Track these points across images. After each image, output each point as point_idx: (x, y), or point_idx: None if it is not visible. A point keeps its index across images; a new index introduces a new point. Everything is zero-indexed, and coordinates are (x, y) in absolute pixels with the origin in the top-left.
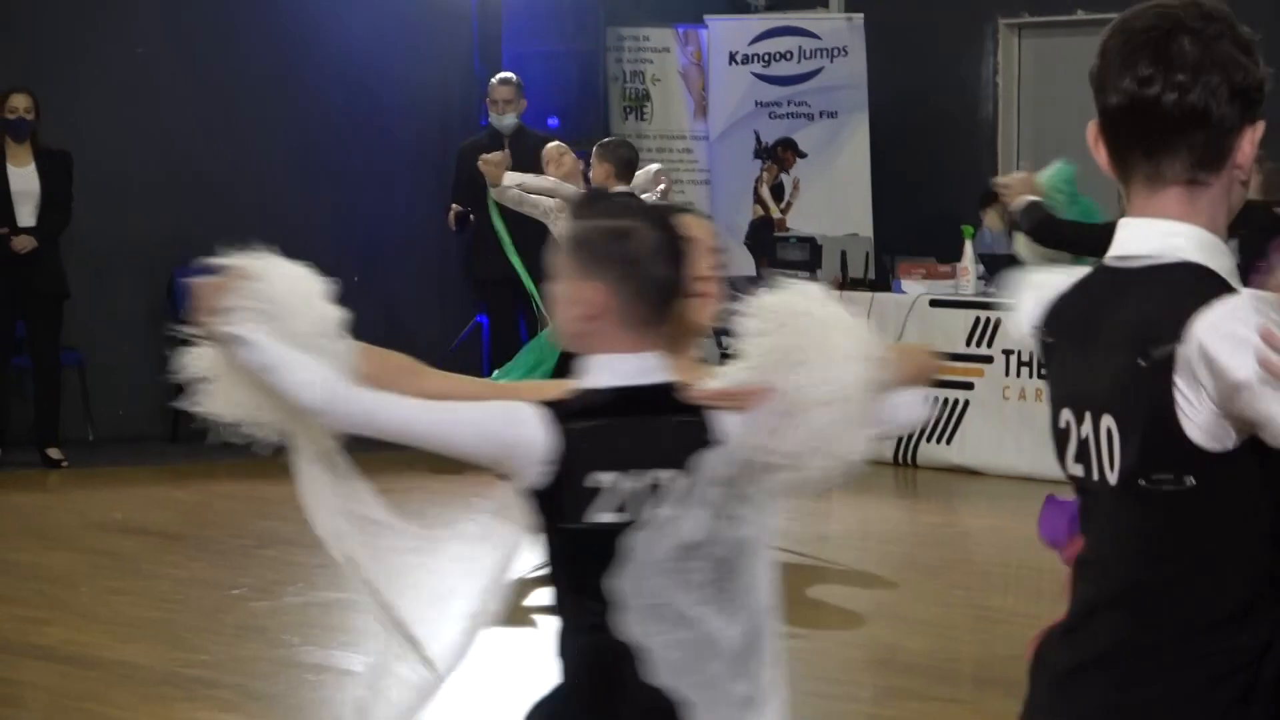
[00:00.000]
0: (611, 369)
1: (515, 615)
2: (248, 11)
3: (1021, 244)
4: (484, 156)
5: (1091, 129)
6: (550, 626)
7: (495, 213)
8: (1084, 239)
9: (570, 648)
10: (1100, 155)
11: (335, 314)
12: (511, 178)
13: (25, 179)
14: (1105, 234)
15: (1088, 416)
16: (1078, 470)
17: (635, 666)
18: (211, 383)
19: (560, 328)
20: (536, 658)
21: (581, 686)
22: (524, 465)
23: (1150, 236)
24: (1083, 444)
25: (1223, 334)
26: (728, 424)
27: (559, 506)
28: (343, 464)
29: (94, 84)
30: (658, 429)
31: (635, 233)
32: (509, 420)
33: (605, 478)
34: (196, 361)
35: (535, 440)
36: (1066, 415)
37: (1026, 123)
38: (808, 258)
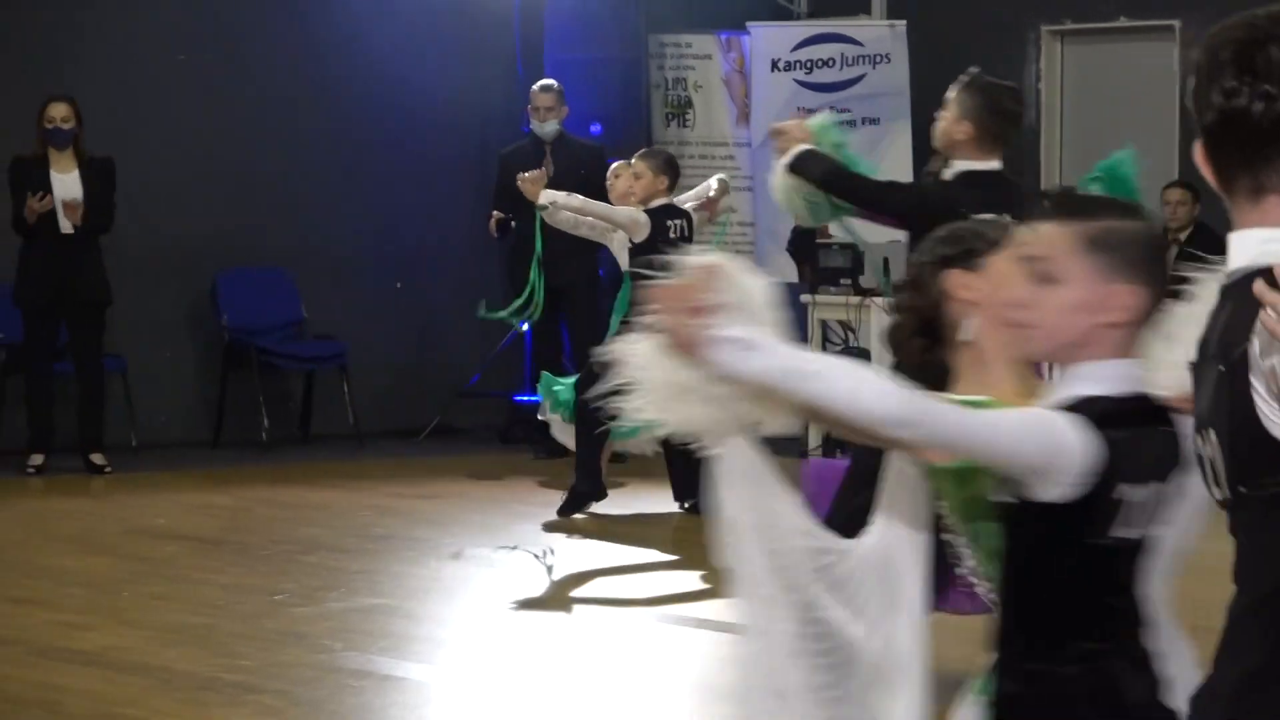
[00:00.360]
0: (1111, 375)
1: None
2: (289, 18)
3: (784, 187)
4: (521, 176)
5: (1197, 149)
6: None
7: (538, 227)
8: (865, 191)
9: (1073, 670)
10: (1207, 174)
11: (782, 319)
12: (548, 195)
13: (69, 186)
14: (882, 189)
15: (1202, 435)
16: (1215, 494)
17: (1156, 687)
18: (645, 386)
19: (1054, 332)
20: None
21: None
22: (1063, 474)
23: (1249, 246)
24: (1208, 464)
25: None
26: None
27: (1088, 519)
28: (769, 475)
29: (137, 90)
30: (1156, 439)
31: (1152, 232)
32: (1050, 427)
33: (1129, 491)
34: (629, 362)
35: (1077, 448)
36: (1196, 439)
37: (1069, 129)
38: (850, 264)
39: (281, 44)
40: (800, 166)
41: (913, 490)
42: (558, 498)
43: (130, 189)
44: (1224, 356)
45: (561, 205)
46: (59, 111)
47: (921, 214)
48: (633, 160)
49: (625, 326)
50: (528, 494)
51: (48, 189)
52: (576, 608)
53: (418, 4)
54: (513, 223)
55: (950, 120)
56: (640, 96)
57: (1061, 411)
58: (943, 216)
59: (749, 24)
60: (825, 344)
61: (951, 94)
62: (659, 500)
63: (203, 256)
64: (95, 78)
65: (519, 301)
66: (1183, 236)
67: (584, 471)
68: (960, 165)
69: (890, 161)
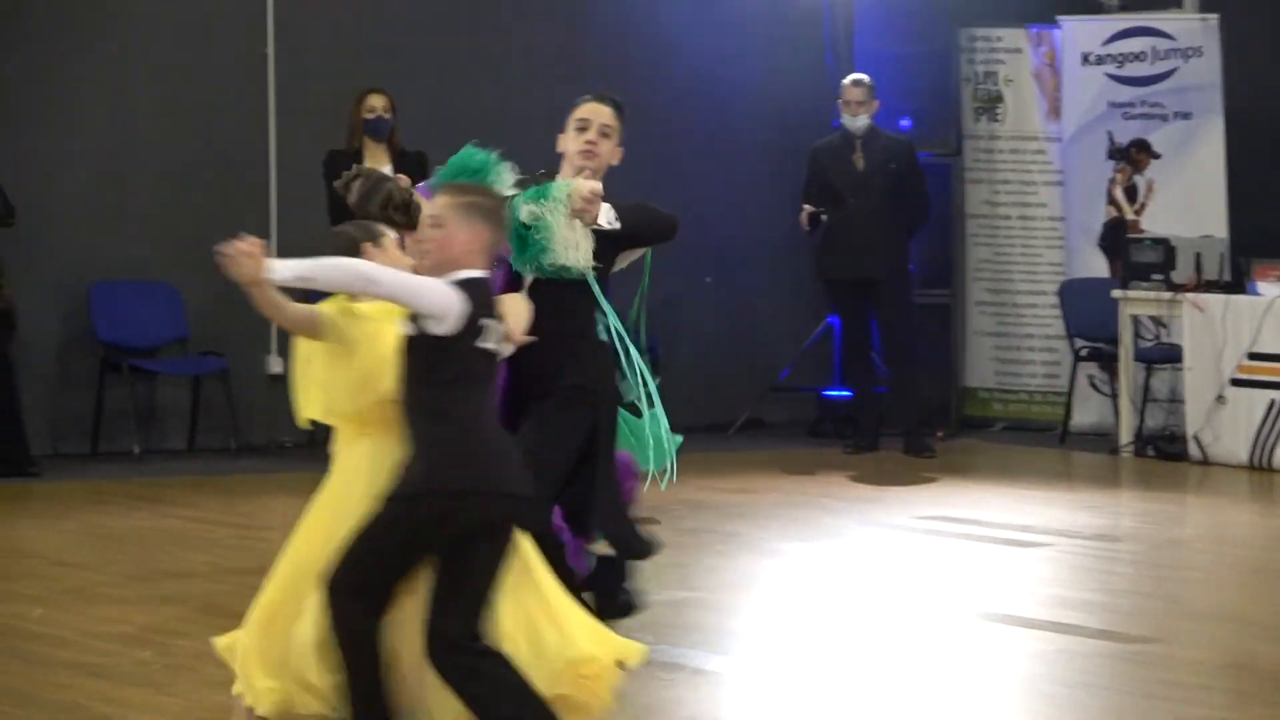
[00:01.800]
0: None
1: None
2: (601, 14)
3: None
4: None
5: None
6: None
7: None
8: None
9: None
10: None
11: None
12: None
13: None
14: None
15: None
16: None
17: None
18: None
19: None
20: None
21: None
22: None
23: None
24: None
25: None
26: None
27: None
28: None
29: (446, 84)
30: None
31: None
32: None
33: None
34: None
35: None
36: None
37: None
38: (1161, 260)
39: (593, 40)
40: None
41: None
42: (870, 492)
43: None
44: None
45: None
46: (379, 102)
47: None
48: None
49: None
50: (839, 489)
51: None
52: (893, 603)
53: None
54: (823, 216)
55: None
56: (950, 91)
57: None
58: None
59: (1059, 17)
60: (1137, 338)
61: None
62: (981, 496)
63: None
64: (409, 71)
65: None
66: None
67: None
68: None
69: (1202, 156)
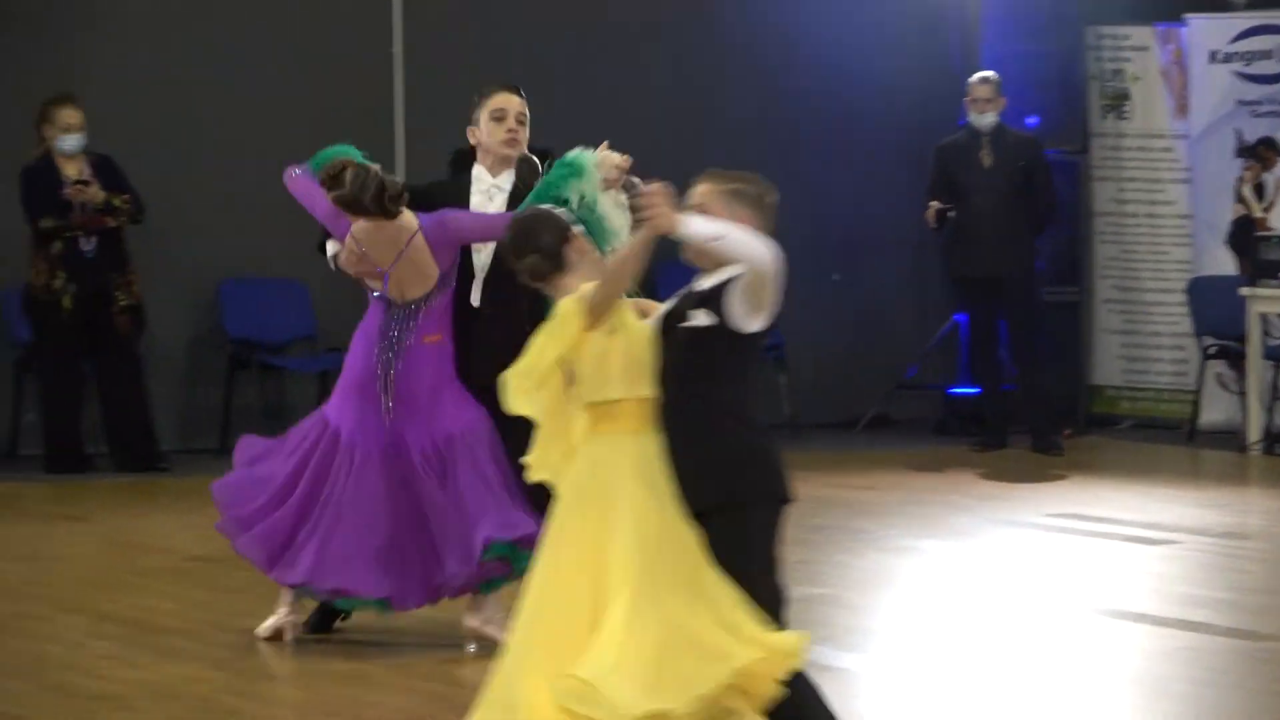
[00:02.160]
0: None
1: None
2: (725, 12)
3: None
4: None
5: None
6: None
7: None
8: None
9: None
10: None
11: None
12: None
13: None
14: None
15: None
16: None
17: None
18: None
19: None
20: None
21: None
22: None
23: None
24: None
25: None
26: None
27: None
28: None
29: (571, 84)
30: None
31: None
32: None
33: None
34: None
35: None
36: None
37: None
38: None
39: (721, 38)
40: None
41: None
42: (998, 490)
43: None
44: None
45: None
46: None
47: None
48: None
49: None
50: (967, 486)
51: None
52: (1021, 601)
53: None
54: (950, 214)
55: None
56: (1077, 88)
57: None
58: None
59: (1187, 15)
60: (1265, 336)
61: None
62: (1109, 494)
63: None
64: (535, 71)
65: None
66: None
67: None
68: None
69: None
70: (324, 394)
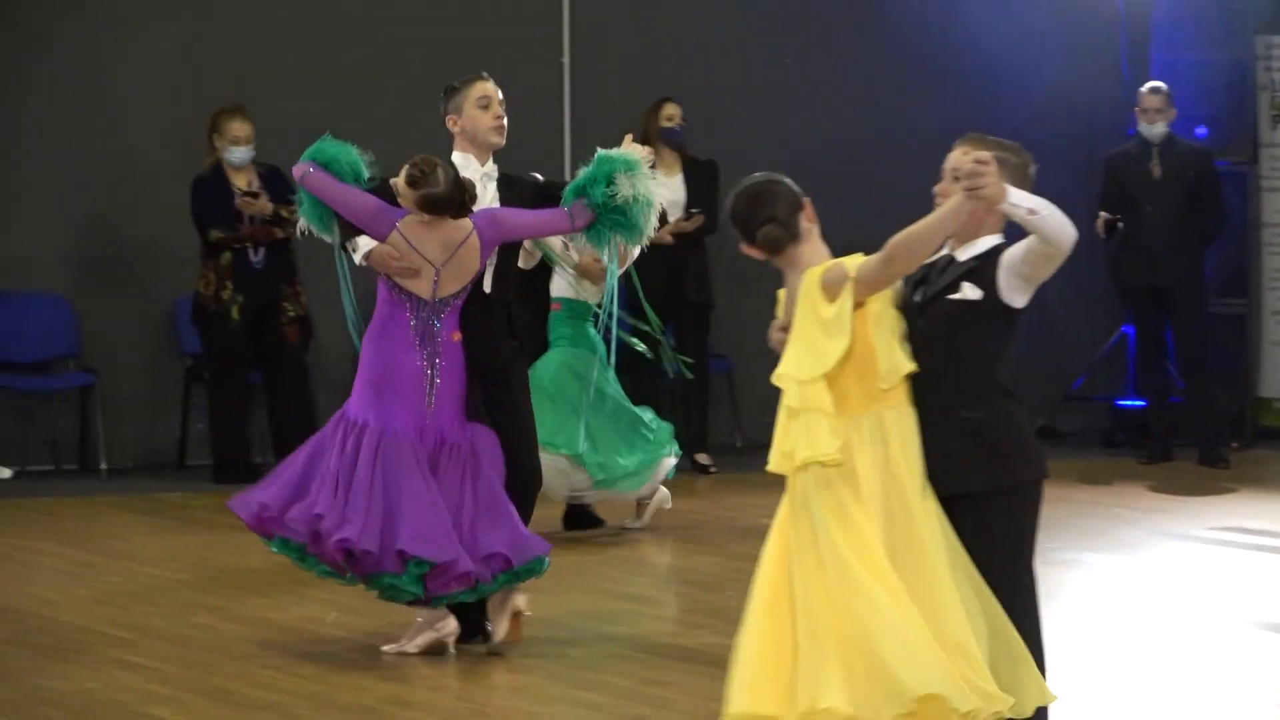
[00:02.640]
0: None
1: None
2: (893, 20)
3: None
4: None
5: None
6: None
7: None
8: None
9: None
10: None
11: None
12: None
13: (673, 188)
14: None
15: None
16: None
17: None
18: None
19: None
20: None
21: None
22: None
23: None
24: None
25: None
26: None
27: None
28: None
29: (739, 94)
30: None
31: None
32: None
33: None
34: None
35: None
36: None
37: None
38: None
39: (885, 46)
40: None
41: None
42: (1165, 502)
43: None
44: None
45: None
46: (674, 111)
47: None
48: None
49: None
50: (1134, 499)
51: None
52: (1187, 615)
53: (1024, 4)
54: (1120, 223)
55: None
56: (1247, 99)
57: None
58: None
59: None
60: None
61: None
62: (1277, 508)
63: None
64: (702, 81)
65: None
66: None
67: None
68: None
69: None
70: None
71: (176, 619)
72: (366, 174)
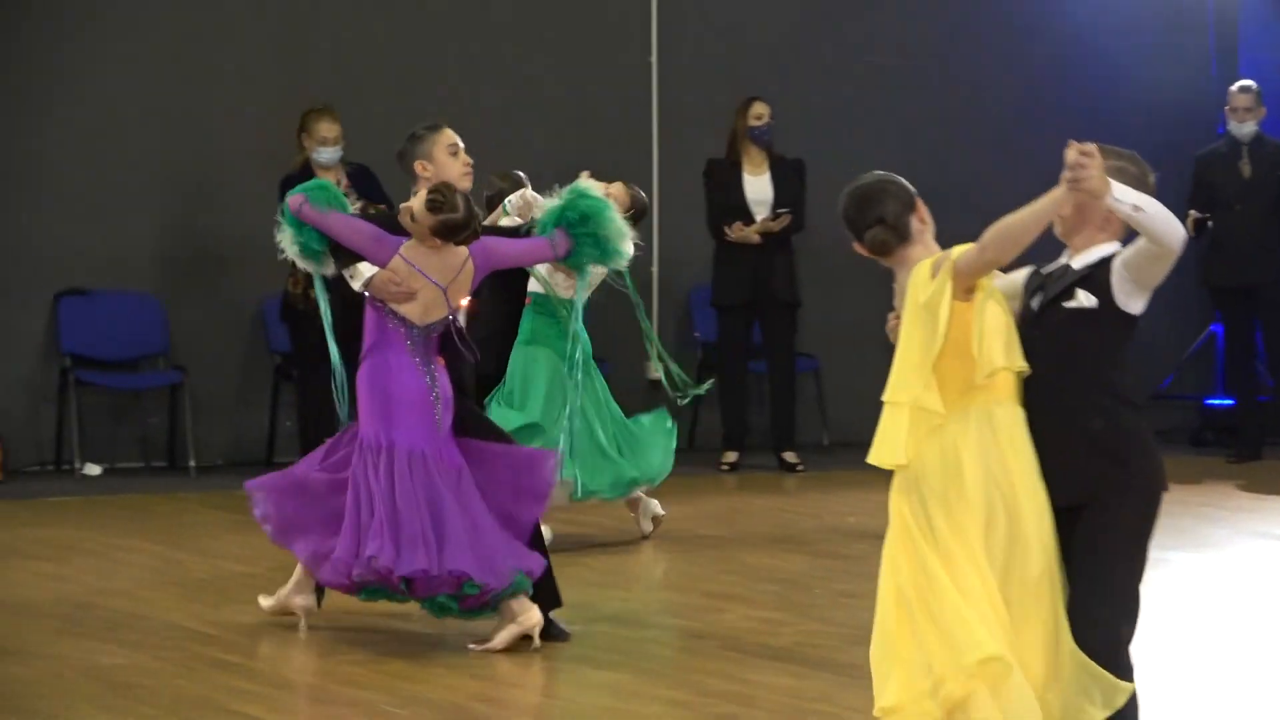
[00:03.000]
0: None
1: None
2: (987, 19)
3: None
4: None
5: None
6: None
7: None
8: None
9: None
10: None
11: None
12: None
13: (760, 188)
14: None
15: None
16: None
17: None
18: None
19: None
20: None
21: None
22: None
23: None
24: None
25: None
26: None
27: None
28: None
29: (825, 93)
30: None
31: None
32: None
33: None
34: None
35: None
36: None
37: None
38: None
39: (979, 46)
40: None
41: None
42: (1254, 502)
43: (823, 190)
44: None
45: None
46: (763, 110)
47: None
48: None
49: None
50: (1222, 498)
51: (740, 191)
52: (1263, 613)
53: (1115, 5)
54: (1209, 222)
55: None
56: None
57: None
58: None
59: None
60: None
61: None
62: None
63: None
64: (789, 80)
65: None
66: None
67: None
68: None
69: None
70: None
71: (265, 615)
72: (350, 207)
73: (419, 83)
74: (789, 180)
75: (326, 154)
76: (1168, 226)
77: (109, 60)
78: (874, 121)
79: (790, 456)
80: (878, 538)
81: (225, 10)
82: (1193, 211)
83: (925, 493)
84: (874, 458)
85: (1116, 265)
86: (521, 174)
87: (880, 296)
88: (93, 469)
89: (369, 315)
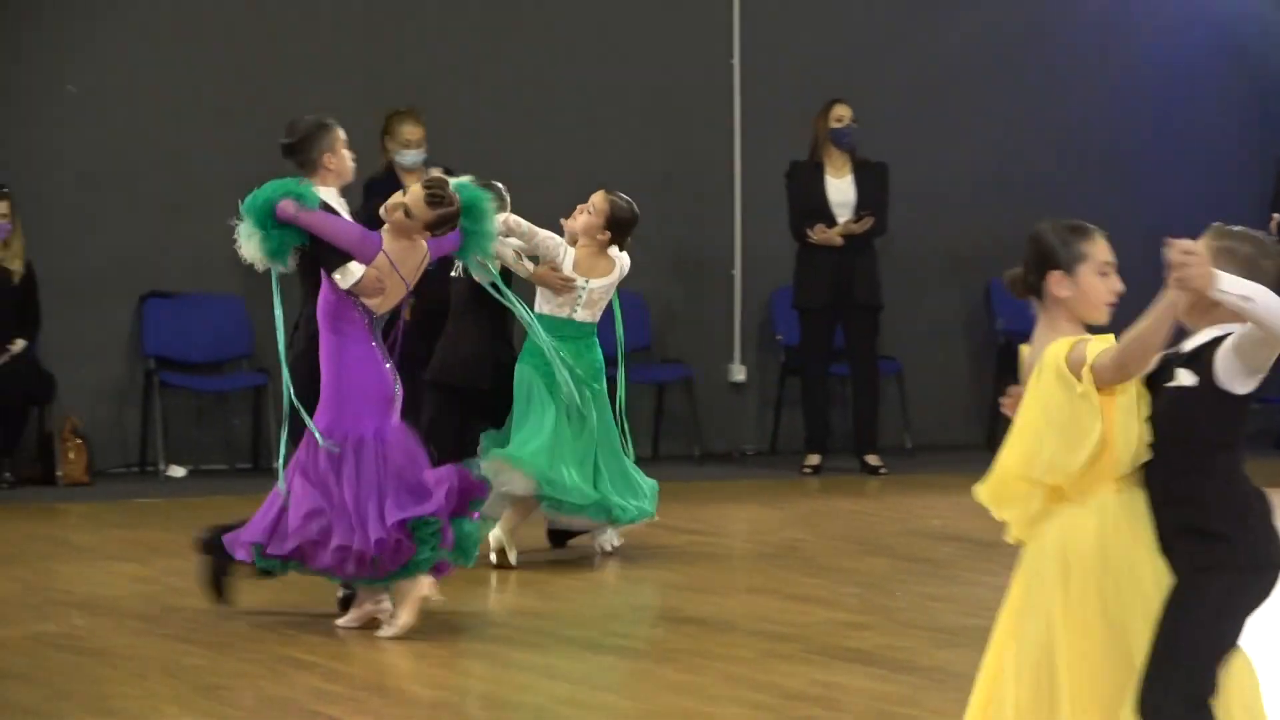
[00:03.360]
0: None
1: None
2: (1068, 20)
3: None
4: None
5: None
6: None
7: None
8: None
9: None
10: None
11: None
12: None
13: (843, 190)
14: None
15: None
16: None
17: None
18: None
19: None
20: None
21: None
22: None
23: None
24: None
25: None
26: None
27: None
28: None
29: (910, 96)
30: None
31: None
32: None
33: None
34: None
35: None
36: None
37: None
38: None
39: (1051, 38)
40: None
41: None
42: None
43: (904, 193)
44: None
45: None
46: (845, 112)
47: None
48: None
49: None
50: None
51: (822, 193)
52: None
53: (1198, 9)
54: None
55: None
56: None
57: None
58: None
59: None
60: None
61: None
62: None
63: (976, 259)
64: (872, 82)
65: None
66: None
67: None
68: None
69: None
70: (661, 405)
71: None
72: (317, 203)
73: (501, 86)
74: (871, 183)
75: (410, 156)
76: (1278, 315)
77: (190, 64)
78: (957, 124)
79: (873, 459)
80: (962, 540)
81: (308, 12)
82: (1276, 215)
83: (1044, 572)
84: (989, 501)
85: (1225, 346)
86: (501, 186)
87: (962, 300)
88: (177, 471)
89: (327, 300)
